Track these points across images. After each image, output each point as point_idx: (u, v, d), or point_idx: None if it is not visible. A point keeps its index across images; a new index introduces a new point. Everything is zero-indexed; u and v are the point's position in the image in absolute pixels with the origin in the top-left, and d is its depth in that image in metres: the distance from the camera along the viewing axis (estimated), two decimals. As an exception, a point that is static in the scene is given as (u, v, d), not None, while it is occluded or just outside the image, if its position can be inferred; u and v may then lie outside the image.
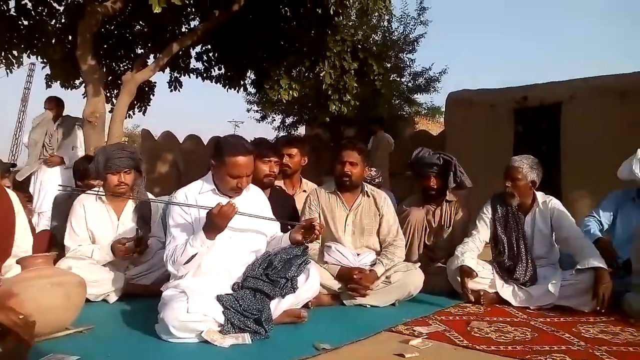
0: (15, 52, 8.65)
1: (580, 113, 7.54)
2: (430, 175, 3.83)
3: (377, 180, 5.00)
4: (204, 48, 10.00)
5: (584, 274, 3.14)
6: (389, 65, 11.84)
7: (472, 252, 3.41)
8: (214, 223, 2.53)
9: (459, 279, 3.29)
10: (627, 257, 3.34)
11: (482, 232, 3.55)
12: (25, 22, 8.37)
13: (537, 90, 8.34)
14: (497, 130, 8.36)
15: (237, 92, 10.21)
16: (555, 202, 3.48)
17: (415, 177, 4.01)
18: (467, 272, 3.28)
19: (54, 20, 8.60)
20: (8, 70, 8.70)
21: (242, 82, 10.26)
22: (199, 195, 2.78)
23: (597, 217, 3.74)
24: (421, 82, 14.08)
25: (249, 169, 2.75)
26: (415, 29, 13.65)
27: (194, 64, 10.29)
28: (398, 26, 13.86)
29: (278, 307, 2.67)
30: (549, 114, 8.02)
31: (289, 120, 14.79)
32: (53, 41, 8.77)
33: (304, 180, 4.32)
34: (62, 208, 4.20)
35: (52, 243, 3.59)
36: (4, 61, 8.61)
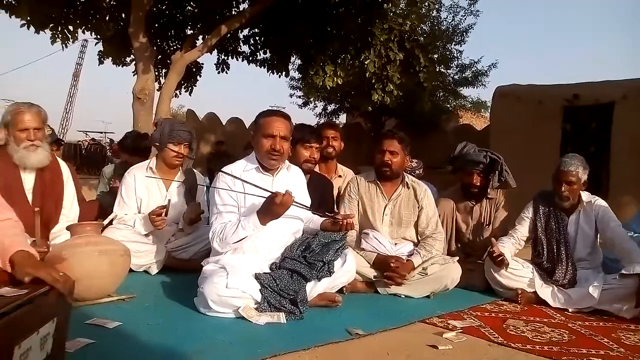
0: (70, 28, 8.93)
1: (633, 114, 7.25)
2: (474, 172, 3.72)
3: (417, 172, 4.96)
4: (251, 31, 10.10)
5: (628, 279, 3.03)
6: (435, 56, 11.65)
7: (509, 246, 3.36)
8: (272, 210, 2.59)
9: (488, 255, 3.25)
10: None
11: (521, 232, 3.47)
12: (81, -1, 8.62)
13: (588, 89, 8.06)
14: (544, 128, 8.13)
15: (281, 76, 10.28)
16: (600, 202, 3.37)
17: (456, 171, 3.91)
18: (494, 245, 3.24)
19: (108, -2, 8.83)
20: (63, 45, 9.00)
21: (286, 67, 10.31)
22: (243, 173, 2.84)
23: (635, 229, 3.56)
24: (468, 75, 13.82)
25: (282, 129, 2.78)
26: (465, 19, 13.38)
27: (241, 46, 10.40)
28: (447, 16, 13.63)
29: (314, 289, 2.71)
30: (600, 113, 7.75)
31: (330, 108, 14.79)
32: (107, 18, 9.02)
33: (339, 165, 4.33)
34: (109, 180, 4.38)
35: (100, 212, 3.73)
36: (60, 36, 8.90)
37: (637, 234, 3.52)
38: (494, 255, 3.21)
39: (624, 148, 7.30)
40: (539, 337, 2.55)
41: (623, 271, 3.07)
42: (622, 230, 3.28)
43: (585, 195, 3.40)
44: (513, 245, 3.43)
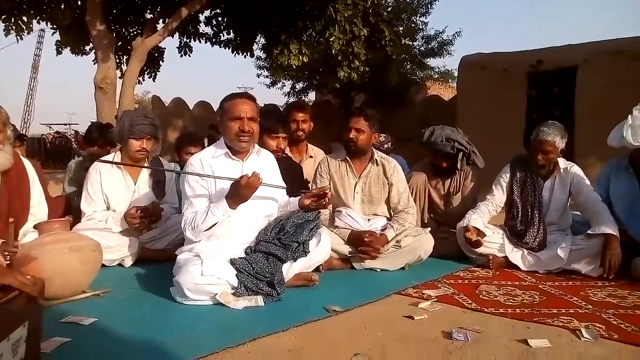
0: (24, 18, 8.62)
1: (595, 77, 7.41)
2: (442, 158, 3.80)
3: (385, 145, 4.99)
4: (213, 12, 9.91)
5: (594, 239, 3.14)
6: (401, 29, 11.63)
7: (483, 215, 3.43)
8: (239, 193, 2.57)
9: (462, 237, 3.31)
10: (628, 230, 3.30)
11: (498, 196, 3.55)
12: (35, -12, 8.31)
13: (551, 54, 8.19)
14: (510, 95, 8.26)
15: (245, 57, 10.16)
16: (576, 169, 3.44)
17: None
18: (471, 229, 3.30)
19: (63, -14, 8.54)
20: (18, 37, 8.69)
21: (251, 47, 10.17)
22: (212, 159, 2.81)
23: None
24: (434, 45, 13.87)
25: (248, 110, 2.75)
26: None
27: (203, 28, 10.21)
28: (411, -12, 13.55)
29: (290, 270, 2.73)
30: (563, 78, 7.90)
31: (299, 86, 14.71)
32: (62, 6, 8.72)
33: (310, 145, 4.32)
34: (77, 174, 4.28)
35: (67, 209, 3.66)
36: (13, 27, 8.59)
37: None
38: (472, 241, 3.27)
39: (587, 111, 7.48)
40: (511, 300, 2.63)
41: (589, 231, 3.18)
42: (595, 195, 3.36)
43: (562, 162, 3.46)
44: (489, 212, 3.50)
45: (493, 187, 3.61)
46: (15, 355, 1.38)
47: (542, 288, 2.88)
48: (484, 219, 3.44)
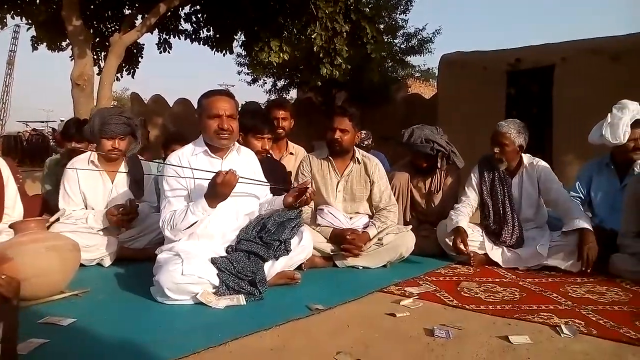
0: (-1, 13, 8.42)
1: (573, 75, 7.52)
2: (422, 159, 3.82)
3: (366, 142, 5.00)
4: (192, 9, 9.80)
5: (571, 235, 3.19)
6: (382, 26, 11.65)
7: (465, 217, 3.46)
8: (217, 192, 2.52)
9: (452, 240, 3.33)
10: (610, 226, 3.38)
11: (472, 197, 3.58)
12: (8, -18, 8.13)
13: (529, 53, 8.28)
14: (490, 93, 8.33)
15: (225, 54, 10.06)
16: (542, 164, 3.50)
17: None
18: (462, 233, 3.32)
19: (38, -21, 8.36)
20: (-8, 32, 8.49)
21: (230, 44, 10.08)
22: (191, 157, 2.77)
23: (578, 192, 3.71)
24: (414, 43, 13.91)
25: (227, 108, 2.71)
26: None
27: (182, 25, 10.09)
28: (391, -15, 13.58)
29: (272, 269, 2.72)
30: (542, 76, 8.00)
31: (280, 84, 14.62)
32: (38, 1, 8.54)
33: (290, 143, 4.30)
34: (54, 172, 4.19)
35: (44, 207, 3.59)
36: (-13, 22, 8.38)
37: (575, 195, 3.68)
38: (461, 250, 3.29)
39: (566, 108, 7.58)
40: (492, 297, 2.66)
41: (564, 228, 3.23)
42: (564, 191, 3.43)
43: (527, 158, 3.52)
44: (468, 213, 3.53)
45: (465, 188, 3.65)
46: (-9, 358, 1.35)
47: (522, 285, 2.92)
48: (467, 219, 3.47)
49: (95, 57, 9.11)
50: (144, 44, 10.15)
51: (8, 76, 38.73)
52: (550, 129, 7.78)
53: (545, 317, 2.31)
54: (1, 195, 3.12)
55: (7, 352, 1.45)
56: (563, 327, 2.15)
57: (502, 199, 3.46)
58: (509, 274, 3.18)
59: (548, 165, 3.52)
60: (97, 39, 9.32)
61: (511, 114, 8.16)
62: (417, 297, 2.62)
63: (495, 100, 8.27)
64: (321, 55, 8.52)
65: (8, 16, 8.63)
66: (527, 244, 3.35)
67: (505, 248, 3.38)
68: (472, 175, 3.64)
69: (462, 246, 3.27)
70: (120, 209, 3.24)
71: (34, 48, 9.50)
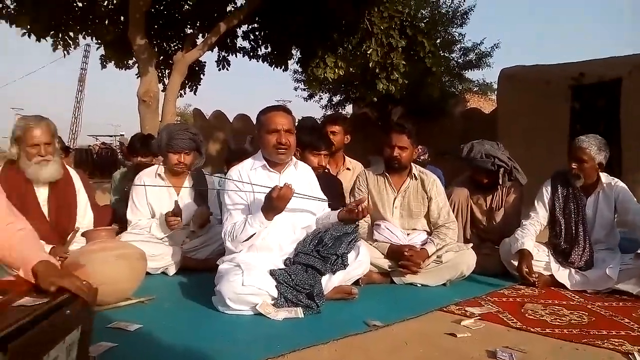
0: (71, 34, 8.97)
1: (641, 89, 7.17)
2: (483, 174, 3.72)
3: (422, 157, 4.94)
4: (250, 27, 10.07)
5: (644, 259, 3.01)
6: (438, 41, 11.54)
7: (532, 236, 3.33)
8: (273, 205, 2.57)
9: (517, 265, 3.21)
10: None
11: (541, 214, 3.43)
12: (80, 4, 8.65)
13: (594, 66, 7.97)
14: (552, 108, 8.07)
15: (283, 71, 10.26)
16: (620, 185, 3.31)
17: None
18: (528, 257, 3.20)
19: (106, 2, 8.86)
20: (65, 51, 9.04)
21: (286, 61, 10.27)
22: (250, 171, 2.84)
23: None
24: (472, 57, 13.67)
25: (285, 123, 2.77)
26: (464, 1, 13.22)
27: (240, 43, 10.38)
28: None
29: (329, 283, 2.72)
30: (608, 90, 7.67)
31: (336, 99, 14.73)
32: (106, 22, 9.04)
33: (347, 158, 4.31)
34: (120, 184, 4.40)
35: (113, 217, 3.76)
36: (61, 42, 8.94)
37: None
38: (527, 276, 3.17)
39: (634, 124, 7.22)
40: (558, 320, 2.54)
41: (638, 251, 3.04)
42: None
43: (605, 177, 3.34)
44: (535, 232, 3.39)
45: (535, 204, 3.49)
46: (68, 357, 1.42)
47: (590, 308, 2.77)
48: (533, 240, 3.34)
49: (159, 74, 9.52)
50: (205, 62, 10.51)
51: (80, 92, 41.18)
52: (618, 146, 7.42)
53: (617, 343, 2.18)
54: (74, 206, 3.31)
55: (82, 354, 1.52)
56: (636, 354, 2.03)
57: (575, 218, 3.30)
58: (577, 297, 3.03)
59: (626, 186, 3.34)
60: (162, 57, 9.74)
61: (575, 129, 7.89)
62: (478, 317, 2.54)
63: (558, 115, 7.99)
64: (377, 70, 8.53)
65: (80, 36, 9.18)
66: (597, 266, 3.18)
67: (572, 270, 3.22)
68: (543, 189, 3.49)
69: (527, 272, 3.15)
70: (171, 214, 3.33)
71: (103, 66, 10.05)
